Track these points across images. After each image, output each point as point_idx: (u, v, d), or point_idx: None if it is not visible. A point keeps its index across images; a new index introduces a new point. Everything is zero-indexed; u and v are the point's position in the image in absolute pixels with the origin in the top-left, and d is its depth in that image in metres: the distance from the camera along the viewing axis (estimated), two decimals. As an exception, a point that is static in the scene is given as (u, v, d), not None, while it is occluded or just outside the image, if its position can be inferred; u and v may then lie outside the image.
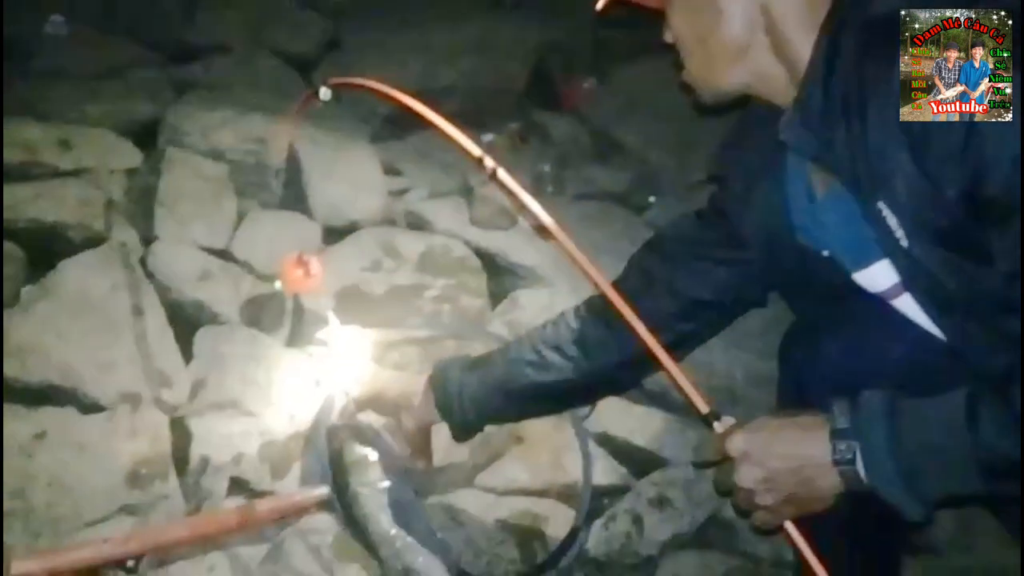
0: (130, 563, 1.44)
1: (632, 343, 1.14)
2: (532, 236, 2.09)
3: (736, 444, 1.04)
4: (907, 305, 1.15)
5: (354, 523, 1.45)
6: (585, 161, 2.45)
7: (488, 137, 2.48)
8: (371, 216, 2.12)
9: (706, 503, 1.62)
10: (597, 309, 1.37)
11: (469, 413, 1.43)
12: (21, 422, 1.53)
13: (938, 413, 0.95)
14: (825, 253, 1.22)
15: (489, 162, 1.29)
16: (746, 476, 1.03)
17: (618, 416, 1.74)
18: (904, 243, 0.99)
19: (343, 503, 1.47)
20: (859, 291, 1.20)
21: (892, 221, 0.99)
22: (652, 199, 2.37)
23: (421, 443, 1.52)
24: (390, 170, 2.28)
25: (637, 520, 1.57)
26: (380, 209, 2.15)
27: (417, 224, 2.12)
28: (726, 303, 1.38)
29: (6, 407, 1.56)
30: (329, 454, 1.52)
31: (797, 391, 1.26)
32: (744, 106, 1.20)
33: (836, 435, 0.99)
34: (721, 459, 1.06)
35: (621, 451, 1.71)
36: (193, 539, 1.43)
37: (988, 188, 0.87)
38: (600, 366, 1.38)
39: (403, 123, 2.46)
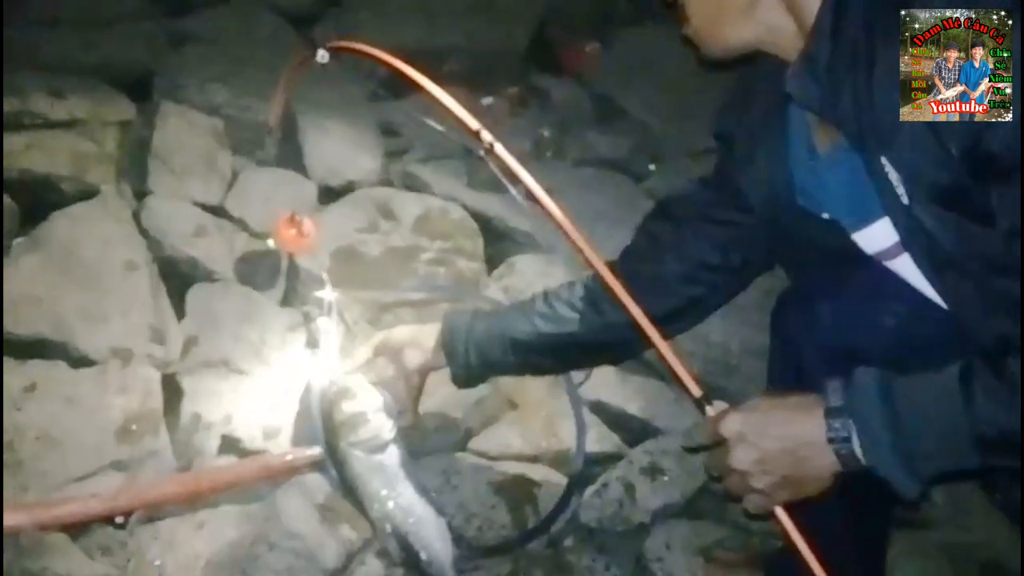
0: (119, 519, 1.44)
1: (646, 308, 1.13)
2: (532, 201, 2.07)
3: (730, 426, 1.03)
4: (905, 267, 1.13)
5: (345, 484, 1.44)
6: (585, 127, 2.43)
7: (487, 100, 2.45)
8: (368, 177, 2.09)
9: (699, 473, 1.62)
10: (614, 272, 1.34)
11: (472, 357, 1.42)
12: (11, 375, 1.51)
13: (932, 388, 0.94)
14: (825, 216, 1.21)
15: (486, 136, 1.27)
16: (741, 458, 1.02)
17: (612, 384, 1.73)
18: (905, 200, 0.98)
19: (334, 463, 1.46)
20: (857, 256, 1.19)
21: (894, 177, 0.98)
22: (652, 167, 2.35)
23: (415, 389, 1.50)
24: (387, 131, 2.25)
25: (629, 488, 1.57)
26: (377, 170, 2.12)
27: (414, 186, 2.10)
28: (734, 266, 1.37)
29: (-5, 359, 1.55)
30: (321, 414, 1.51)
31: (789, 358, 1.25)
32: (748, 63, 1.17)
33: (830, 413, 0.98)
34: (714, 443, 1.05)
35: (614, 419, 1.70)
36: (183, 496, 1.42)
37: (989, 145, 0.87)
38: (611, 324, 1.34)
39: (401, 83, 2.42)
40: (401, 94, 2.37)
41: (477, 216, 2.03)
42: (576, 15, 2.74)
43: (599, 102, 2.51)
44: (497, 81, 2.50)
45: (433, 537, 1.39)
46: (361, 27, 2.47)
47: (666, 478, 1.60)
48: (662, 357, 1.08)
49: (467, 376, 1.46)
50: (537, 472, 1.59)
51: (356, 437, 1.45)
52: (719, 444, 1.04)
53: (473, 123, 1.28)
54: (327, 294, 1.66)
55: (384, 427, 1.46)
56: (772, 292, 1.86)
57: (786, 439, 1.00)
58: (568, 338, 1.39)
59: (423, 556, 1.37)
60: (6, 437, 1.43)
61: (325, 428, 1.49)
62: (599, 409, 1.71)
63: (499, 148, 1.26)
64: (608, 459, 1.64)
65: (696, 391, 1.07)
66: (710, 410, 1.06)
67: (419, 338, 1.47)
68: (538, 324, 1.39)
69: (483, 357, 1.43)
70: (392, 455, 1.44)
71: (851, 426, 0.97)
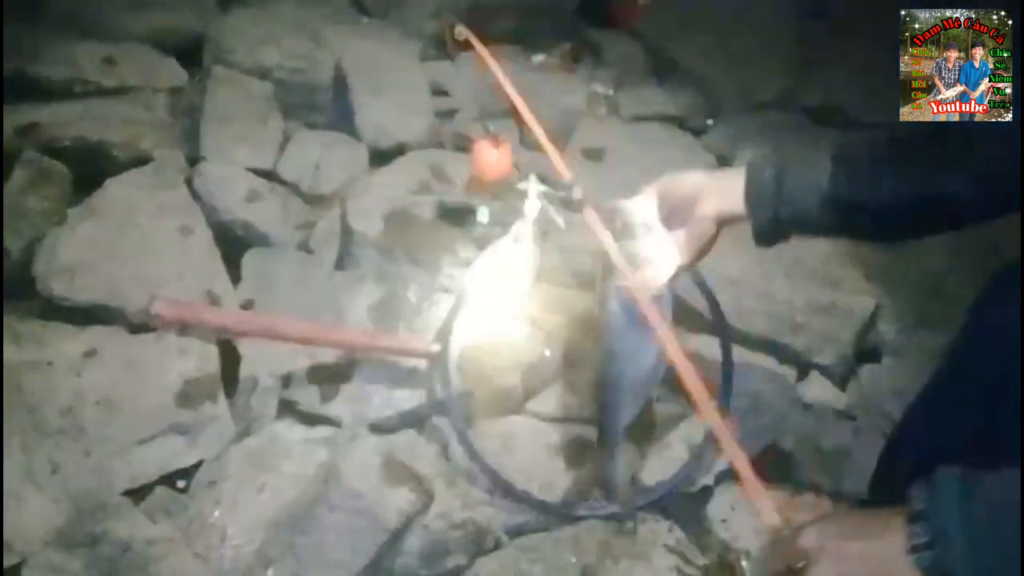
0: (181, 483, 1.45)
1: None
2: (584, 158, 2.04)
3: (809, 539, 0.95)
4: None
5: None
6: (640, 81, 2.37)
7: (539, 58, 2.41)
8: (418, 138, 2.06)
9: (763, 433, 1.58)
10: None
11: (781, 211, 1.19)
12: (71, 341, 1.52)
13: (1007, 488, 0.86)
14: None
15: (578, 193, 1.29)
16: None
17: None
18: None
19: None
20: None
21: None
22: (710, 121, 2.28)
23: (707, 240, 1.27)
24: (438, 91, 2.22)
25: (693, 449, 1.53)
26: (427, 130, 2.09)
27: (465, 147, 2.06)
28: None
29: (55, 326, 1.55)
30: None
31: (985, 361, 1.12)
32: None
33: (912, 519, 0.89)
34: (792, 562, 0.96)
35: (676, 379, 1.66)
36: (305, 339, 1.53)
37: None
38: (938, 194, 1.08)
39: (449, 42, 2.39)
40: (449, 54, 2.34)
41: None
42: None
43: (653, 56, 2.45)
44: (548, 38, 2.45)
45: (627, 403, 1.35)
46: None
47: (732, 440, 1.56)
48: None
49: (772, 232, 1.23)
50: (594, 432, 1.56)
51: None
52: (798, 564, 0.95)
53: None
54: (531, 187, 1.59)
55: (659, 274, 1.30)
56: (835, 252, 1.84)
57: (868, 555, 0.91)
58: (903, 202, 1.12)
59: (608, 417, 1.36)
60: (68, 402, 1.44)
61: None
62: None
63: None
64: (671, 419, 1.60)
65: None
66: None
67: (720, 184, 1.25)
68: (859, 190, 1.13)
69: (794, 212, 1.18)
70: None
71: (933, 531, 0.87)
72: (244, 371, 1.57)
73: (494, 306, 1.61)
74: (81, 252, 1.64)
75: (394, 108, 2.09)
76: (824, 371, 1.71)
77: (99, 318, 1.58)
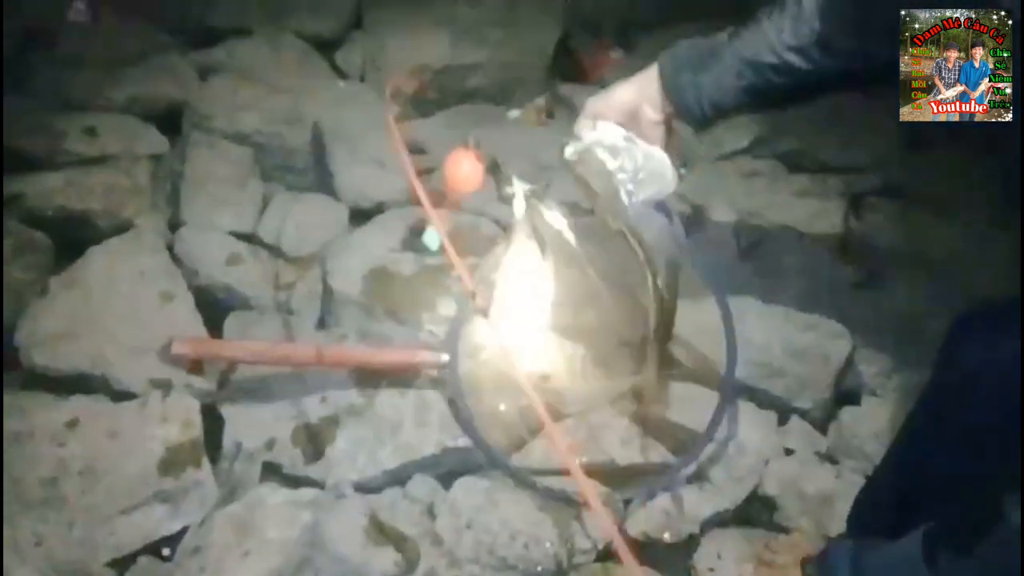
0: (165, 551, 1.45)
1: (883, 50, 1.03)
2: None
3: None
4: None
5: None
6: (614, 134, 2.40)
7: (514, 113, 2.44)
8: (397, 196, 2.09)
9: (747, 479, 1.59)
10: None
11: (708, 111, 1.34)
12: (53, 411, 1.53)
13: (897, 557, 0.95)
14: None
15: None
16: None
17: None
18: None
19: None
20: None
21: None
22: (683, 170, 2.31)
23: (661, 139, 1.40)
24: (416, 149, 2.25)
25: (676, 498, 1.54)
26: (406, 189, 2.12)
27: (444, 204, 2.09)
28: None
29: (37, 396, 1.56)
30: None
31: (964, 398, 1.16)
32: None
33: None
34: None
35: (658, 428, 1.67)
36: (318, 364, 1.59)
37: None
38: (843, 67, 1.22)
39: (428, 102, 2.43)
40: (427, 112, 2.38)
41: (508, 230, 2.01)
42: (598, 23, 2.73)
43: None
44: (523, 93, 2.49)
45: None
46: (385, 49, 2.48)
47: (713, 486, 1.57)
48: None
49: (705, 123, 1.37)
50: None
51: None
52: None
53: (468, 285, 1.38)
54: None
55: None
56: (813, 292, 1.87)
57: None
58: (801, 85, 1.28)
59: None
60: (50, 473, 1.44)
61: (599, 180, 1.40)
62: (641, 418, 1.68)
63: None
64: (653, 469, 1.61)
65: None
66: None
67: (647, 92, 1.37)
68: (770, 78, 1.28)
69: (719, 109, 1.34)
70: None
71: None
72: (227, 435, 1.57)
73: (503, 313, 1.63)
74: (63, 322, 1.66)
75: (372, 168, 2.12)
76: (804, 415, 1.72)
77: (82, 387, 1.59)
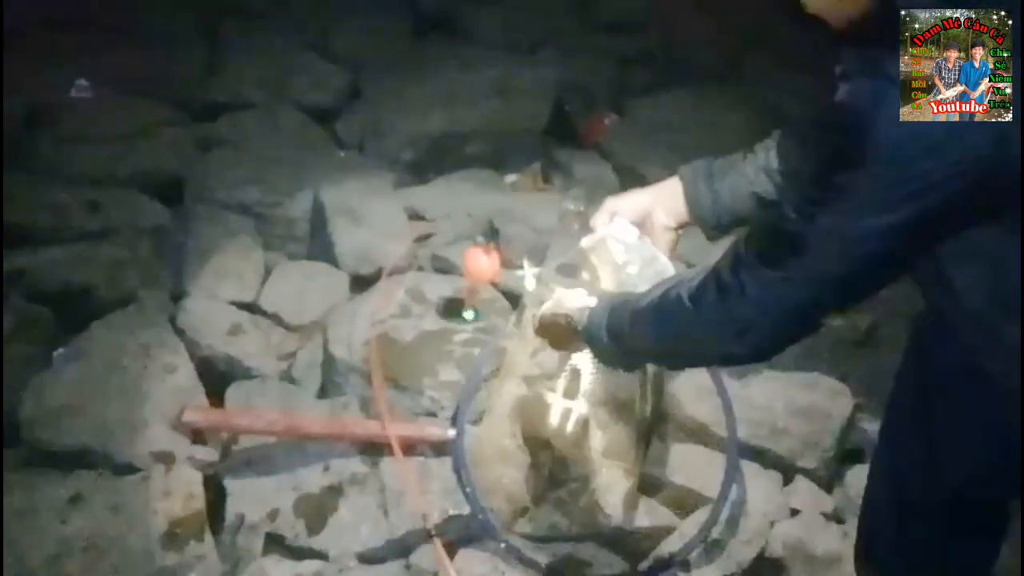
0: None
1: None
2: (558, 275, 2.08)
3: None
4: None
5: None
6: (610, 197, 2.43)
7: (511, 177, 2.48)
8: (397, 262, 2.11)
9: (754, 540, 1.58)
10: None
11: (722, 218, 1.37)
12: (55, 486, 1.52)
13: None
14: None
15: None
16: None
17: (658, 454, 1.70)
18: None
19: None
20: None
21: None
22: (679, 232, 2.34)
23: (670, 244, 1.44)
24: (414, 215, 2.28)
25: (684, 562, 1.53)
26: (406, 255, 2.14)
27: (444, 268, 2.11)
28: None
29: (40, 471, 1.56)
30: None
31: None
32: None
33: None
34: None
35: (664, 490, 1.67)
36: (328, 436, 1.64)
37: None
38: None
39: (427, 167, 2.47)
40: (426, 178, 2.41)
41: (507, 294, 2.03)
42: (592, 89, 2.78)
43: (621, 172, 2.52)
44: (519, 158, 2.53)
45: None
46: (384, 118, 2.53)
47: (720, 549, 1.56)
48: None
49: (718, 229, 1.39)
50: (586, 552, 1.56)
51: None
52: None
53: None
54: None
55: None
56: (813, 350, 1.88)
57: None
58: None
59: None
60: (53, 550, 1.43)
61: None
62: (645, 481, 1.67)
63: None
64: (660, 532, 1.60)
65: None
66: None
67: (664, 198, 1.41)
68: (777, 180, 1.32)
69: (734, 216, 1.37)
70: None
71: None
72: (230, 507, 1.56)
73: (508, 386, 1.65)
74: (66, 396, 1.66)
75: (373, 234, 2.14)
76: (809, 474, 1.72)
77: (84, 462, 1.59)
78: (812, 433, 1.73)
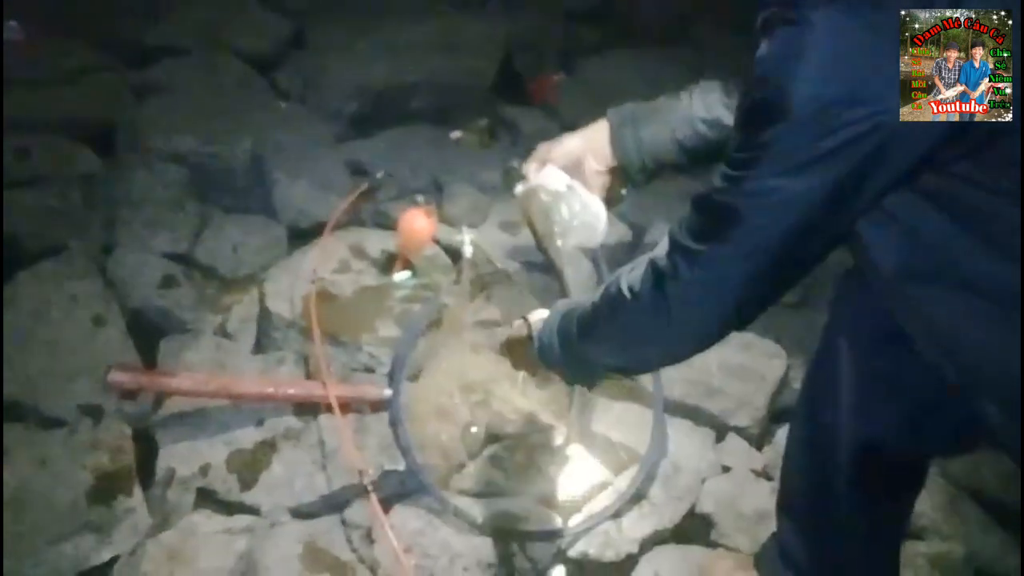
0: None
1: None
2: (501, 231, 2.07)
3: None
4: None
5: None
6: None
7: (456, 134, 2.45)
8: (339, 217, 2.08)
9: (684, 497, 1.60)
10: None
11: (648, 161, 1.41)
12: (-19, 441, 1.49)
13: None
14: None
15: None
16: None
17: (594, 411, 1.71)
18: None
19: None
20: None
21: None
22: (624, 191, 2.34)
23: (603, 189, 1.47)
24: (357, 170, 2.25)
25: (615, 517, 1.54)
26: (347, 210, 2.11)
27: (385, 224, 2.09)
28: None
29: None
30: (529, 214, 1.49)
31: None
32: None
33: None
34: None
35: (598, 446, 1.68)
36: (260, 398, 1.59)
37: None
38: None
39: (370, 121, 2.43)
40: (370, 133, 2.37)
41: (448, 250, 2.01)
42: (541, 46, 2.76)
43: (568, 131, 2.51)
44: (465, 114, 2.50)
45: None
46: (326, 68, 2.48)
47: (652, 505, 1.58)
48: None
49: (646, 177, 1.45)
50: (520, 507, 1.57)
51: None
52: None
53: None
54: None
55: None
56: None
57: None
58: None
59: None
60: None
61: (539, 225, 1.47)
62: (580, 437, 1.68)
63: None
64: (593, 488, 1.61)
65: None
66: None
67: (593, 143, 1.44)
68: (702, 131, 1.36)
69: (658, 160, 1.41)
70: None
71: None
72: (160, 462, 1.54)
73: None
74: (-10, 347, 1.61)
75: (312, 188, 2.11)
76: (741, 432, 1.74)
77: (10, 415, 1.55)
78: (746, 393, 1.76)
